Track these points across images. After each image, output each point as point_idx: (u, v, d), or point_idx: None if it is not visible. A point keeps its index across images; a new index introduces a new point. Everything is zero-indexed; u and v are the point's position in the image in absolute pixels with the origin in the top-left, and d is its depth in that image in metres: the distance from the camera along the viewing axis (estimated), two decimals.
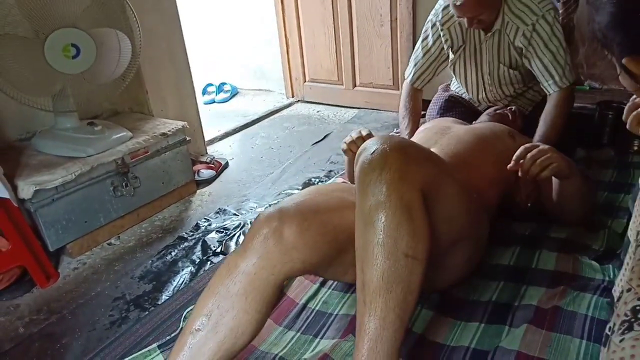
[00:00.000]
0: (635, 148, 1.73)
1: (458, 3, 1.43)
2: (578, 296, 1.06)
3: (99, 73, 1.67)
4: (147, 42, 1.89)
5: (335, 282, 1.24)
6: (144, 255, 1.64)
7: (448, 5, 1.60)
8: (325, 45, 2.87)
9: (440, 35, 1.67)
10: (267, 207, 1.86)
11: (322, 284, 1.25)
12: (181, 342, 0.85)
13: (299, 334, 1.09)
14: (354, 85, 2.90)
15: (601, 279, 1.12)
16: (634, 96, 0.81)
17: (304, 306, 1.18)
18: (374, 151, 0.81)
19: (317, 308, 1.17)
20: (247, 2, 3.27)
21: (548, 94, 1.55)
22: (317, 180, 2.05)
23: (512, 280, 1.16)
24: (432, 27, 1.69)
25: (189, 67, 2.29)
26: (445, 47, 1.69)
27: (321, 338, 1.06)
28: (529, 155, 1.09)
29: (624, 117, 0.81)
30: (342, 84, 2.94)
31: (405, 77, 1.82)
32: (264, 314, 0.87)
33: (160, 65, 2.15)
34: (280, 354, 1.03)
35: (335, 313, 1.14)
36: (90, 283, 1.52)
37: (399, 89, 2.71)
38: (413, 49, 2.55)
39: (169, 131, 1.90)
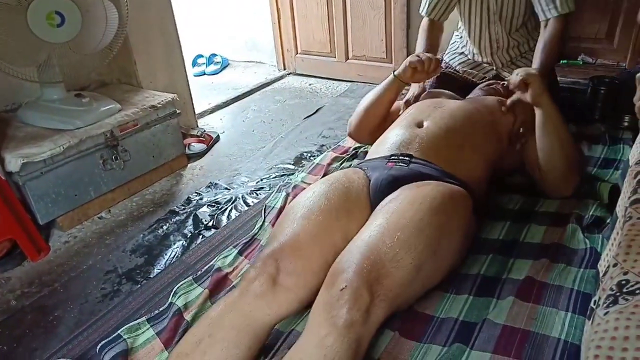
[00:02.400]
0: (626, 124, 1.74)
1: None
2: (564, 270, 1.08)
3: (85, 42, 1.63)
4: (135, 11, 1.84)
5: None
6: (135, 229, 1.64)
7: None
8: (318, 16, 2.82)
9: None
10: (264, 181, 1.86)
11: None
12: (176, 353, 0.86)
13: None
14: (347, 58, 2.86)
15: (584, 248, 1.13)
16: None
17: None
18: (345, 286, 0.80)
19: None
20: None
21: (544, 19, 1.51)
22: (309, 154, 2.04)
23: (500, 254, 1.18)
24: None
25: (179, 38, 2.24)
26: None
27: None
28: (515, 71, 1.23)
29: (635, 98, 0.79)
30: (335, 57, 2.90)
31: (421, 14, 1.75)
32: (253, 351, 0.88)
33: (149, 36, 2.10)
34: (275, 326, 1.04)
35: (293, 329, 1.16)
36: (81, 256, 1.52)
37: (392, 62, 2.69)
38: (407, 21, 2.53)
39: (159, 103, 1.87)
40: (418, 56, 1.39)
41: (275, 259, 0.91)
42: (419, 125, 1.27)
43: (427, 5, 1.72)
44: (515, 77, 1.22)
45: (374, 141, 1.43)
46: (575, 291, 1.00)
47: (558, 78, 1.85)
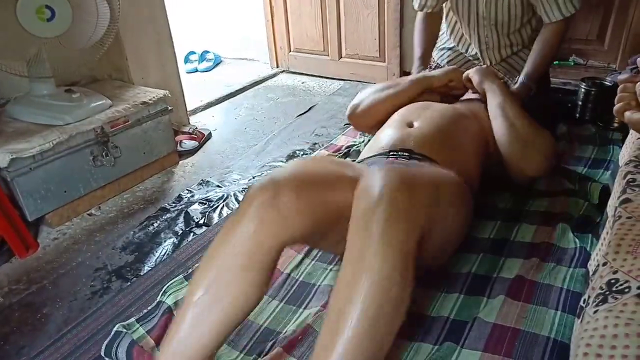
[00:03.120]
0: (616, 125, 1.75)
1: None
2: (554, 269, 1.09)
3: (76, 37, 1.61)
4: (127, 6, 1.83)
5: (319, 253, 1.25)
6: (125, 226, 1.63)
7: None
8: (311, 14, 2.81)
9: None
10: (256, 178, 1.85)
11: (307, 255, 1.26)
12: (182, 313, 0.83)
13: (282, 303, 1.10)
14: (340, 56, 2.86)
15: (574, 247, 1.14)
16: (623, 81, 0.79)
17: (288, 276, 1.19)
18: (379, 192, 0.78)
19: (300, 278, 1.18)
20: None
21: (546, 20, 1.49)
22: (302, 152, 2.04)
23: (491, 253, 1.18)
24: None
25: (171, 34, 2.22)
26: None
27: (304, 308, 1.08)
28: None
29: (615, 100, 0.79)
30: (328, 55, 2.90)
31: (415, 8, 1.72)
32: (263, 283, 0.86)
33: (141, 31, 2.08)
34: (264, 325, 1.04)
35: (318, 284, 1.15)
36: (70, 253, 1.50)
37: (385, 61, 2.69)
38: (401, 20, 2.53)
39: (150, 100, 1.85)
40: (460, 72, 1.46)
41: (273, 185, 0.86)
42: (410, 125, 1.27)
43: (419, 1, 1.69)
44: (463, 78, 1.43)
45: (370, 131, 1.44)
46: (565, 290, 1.01)
47: (550, 78, 1.86)
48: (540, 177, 1.37)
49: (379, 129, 1.37)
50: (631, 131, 0.93)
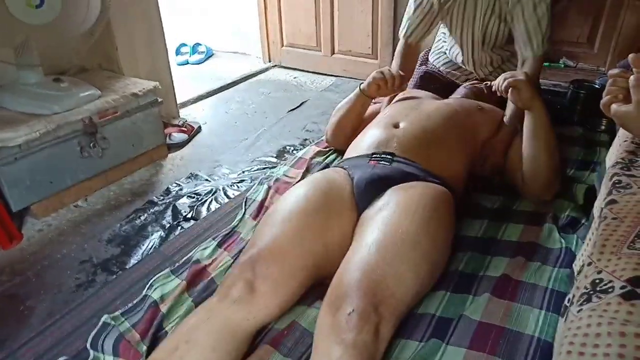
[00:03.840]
0: (603, 127, 1.77)
1: None
2: (540, 268, 1.10)
3: (66, 25, 1.59)
4: None
5: None
6: (112, 219, 1.61)
7: None
8: (305, 8, 2.80)
9: None
10: (245, 173, 1.84)
11: None
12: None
13: None
14: (333, 52, 2.85)
15: (559, 248, 1.16)
16: (614, 76, 0.80)
17: None
18: (351, 312, 0.79)
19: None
20: None
21: (522, 58, 1.58)
22: (292, 148, 2.03)
23: (478, 251, 1.19)
24: None
25: (162, 25, 2.20)
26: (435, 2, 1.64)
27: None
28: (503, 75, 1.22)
29: (604, 93, 0.80)
30: (321, 50, 2.89)
31: (400, 35, 1.76)
32: (234, 357, 0.86)
33: (132, 22, 2.06)
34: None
35: None
36: (55, 245, 1.48)
37: (377, 59, 2.69)
38: (394, 17, 2.53)
39: (140, 91, 1.83)
40: (382, 72, 1.38)
41: (252, 264, 0.90)
42: (395, 125, 1.27)
43: (405, 28, 1.72)
44: (501, 81, 1.20)
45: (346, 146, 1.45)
46: (550, 290, 1.02)
47: (540, 80, 1.88)
48: None
49: (351, 141, 1.38)
50: (618, 134, 0.94)
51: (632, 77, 0.73)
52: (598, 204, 0.74)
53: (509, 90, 1.21)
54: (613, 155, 0.85)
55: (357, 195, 1.08)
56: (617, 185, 0.70)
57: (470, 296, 1.04)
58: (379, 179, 1.07)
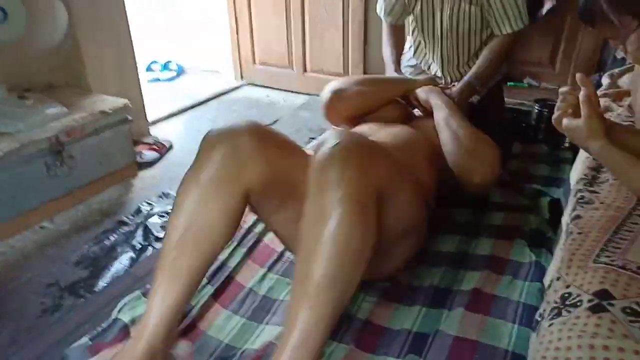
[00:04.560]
0: (567, 145, 1.84)
1: None
2: (511, 282, 1.12)
3: (31, 41, 1.56)
4: (87, 11, 1.78)
5: (283, 268, 1.24)
6: (79, 240, 1.56)
7: None
8: (276, 27, 2.82)
9: None
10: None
11: (270, 269, 1.24)
12: (164, 255, 0.88)
13: (244, 319, 1.08)
14: (305, 71, 2.88)
15: (528, 262, 1.19)
16: (564, 93, 0.86)
17: (250, 290, 1.18)
18: (335, 145, 0.80)
19: (263, 293, 1.17)
20: None
21: (497, 33, 1.59)
22: None
23: (452, 266, 1.21)
24: None
25: (132, 42, 2.18)
26: None
27: (266, 324, 1.06)
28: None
29: (555, 109, 0.86)
30: (293, 69, 2.91)
31: (379, 14, 1.79)
32: (233, 219, 0.90)
33: (101, 38, 2.03)
34: (225, 341, 1.02)
35: (281, 299, 1.14)
36: (20, 268, 1.42)
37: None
38: (365, 36, 2.59)
39: (109, 109, 1.80)
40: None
41: (231, 131, 0.91)
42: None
43: (383, 11, 1.75)
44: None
45: (341, 123, 1.52)
46: (522, 304, 1.05)
47: (505, 99, 1.94)
48: (491, 188, 1.41)
49: (350, 126, 1.42)
50: (580, 151, 0.99)
51: (581, 94, 0.77)
52: (565, 219, 0.77)
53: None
54: (576, 171, 0.89)
55: None
56: (581, 201, 0.74)
57: (445, 311, 1.05)
58: None
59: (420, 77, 1.63)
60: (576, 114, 0.80)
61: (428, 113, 1.51)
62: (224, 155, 0.88)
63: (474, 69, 1.63)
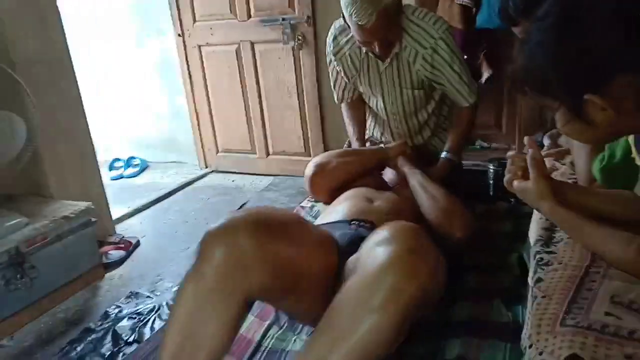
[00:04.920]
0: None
1: (362, 23, 1.42)
2: (492, 346, 1.12)
3: None
4: (46, 121, 1.80)
5: (285, 321, 1.29)
6: (44, 355, 1.47)
7: (337, 36, 1.71)
8: (236, 116, 2.93)
9: (335, 65, 1.78)
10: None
11: (275, 322, 1.32)
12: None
13: None
14: (267, 154, 2.96)
15: (508, 322, 1.20)
16: (512, 157, 0.91)
17: (259, 345, 1.24)
18: (393, 252, 0.81)
19: (270, 346, 1.23)
20: (152, 76, 3.26)
21: (460, 104, 1.72)
22: None
23: (432, 337, 1.20)
24: (329, 55, 1.80)
25: (92, 144, 2.20)
26: (342, 75, 1.80)
27: None
28: None
29: (505, 172, 0.90)
30: (256, 153, 2.98)
31: (336, 101, 1.93)
32: (233, 329, 0.88)
33: (61, 144, 2.04)
34: None
35: (288, 349, 1.20)
36: None
37: (310, 156, 2.81)
38: (321, 117, 2.70)
39: (71, 213, 1.77)
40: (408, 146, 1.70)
41: (232, 229, 0.88)
42: (370, 201, 1.38)
43: (336, 95, 1.89)
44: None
45: (324, 198, 1.59)
46: None
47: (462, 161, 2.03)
48: (466, 244, 1.45)
49: (332, 197, 1.49)
50: (534, 211, 1.03)
51: (528, 157, 0.83)
52: (529, 280, 0.79)
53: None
54: (533, 232, 0.93)
55: (341, 242, 1.12)
56: (540, 263, 0.76)
57: None
58: (363, 238, 1.08)
59: (391, 144, 1.74)
60: (525, 176, 0.85)
61: (401, 180, 1.61)
62: (224, 261, 0.85)
63: (448, 144, 1.75)
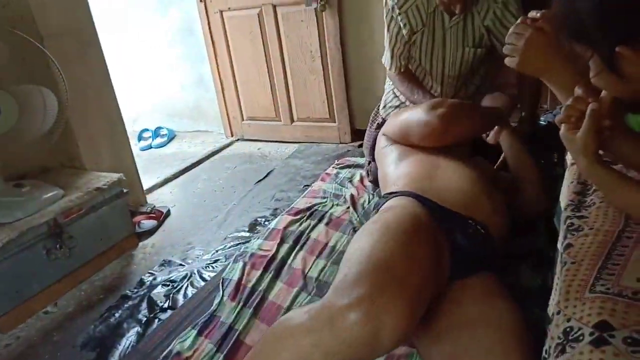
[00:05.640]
0: (556, 160, 1.86)
1: None
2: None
3: (24, 132, 1.60)
4: (75, 93, 1.84)
5: (313, 287, 1.34)
6: (85, 320, 1.55)
7: None
8: (260, 83, 2.91)
9: (398, 19, 1.68)
10: (219, 252, 1.81)
11: (303, 288, 1.38)
12: None
13: None
14: (292, 121, 2.94)
15: (537, 286, 1.19)
16: (572, 100, 0.81)
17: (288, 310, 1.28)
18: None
19: None
20: (175, 44, 3.26)
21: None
22: (264, 219, 2.04)
23: None
24: (392, 11, 1.70)
25: (121, 116, 2.23)
26: (405, 31, 1.69)
27: None
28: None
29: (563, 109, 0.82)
30: (280, 120, 2.97)
31: (387, 67, 1.83)
32: None
33: (91, 117, 2.08)
34: None
35: None
36: (25, 359, 1.40)
37: (335, 122, 2.79)
38: (345, 82, 2.66)
39: (104, 185, 1.83)
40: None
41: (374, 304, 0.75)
42: (476, 183, 1.24)
43: (394, 62, 1.78)
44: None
45: (445, 141, 1.39)
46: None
47: None
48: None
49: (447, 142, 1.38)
50: (566, 175, 1.00)
51: (590, 106, 0.75)
52: (559, 246, 0.78)
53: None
54: (564, 196, 0.90)
55: (454, 265, 1.03)
56: (571, 228, 0.74)
57: None
58: (478, 259, 1.06)
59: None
60: (578, 124, 0.77)
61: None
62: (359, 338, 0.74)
63: (528, 107, 1.73)
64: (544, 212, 1.39)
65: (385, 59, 1.83)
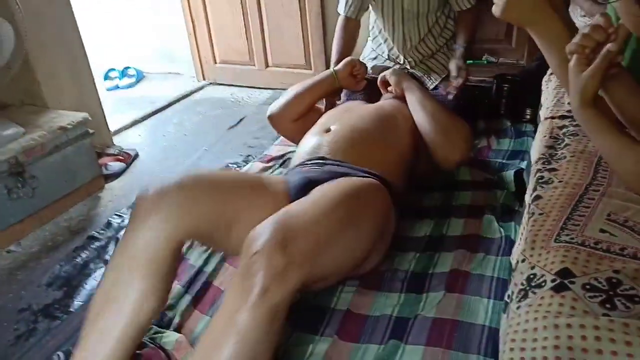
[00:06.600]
0: (528, 117, 1.89)
1: None
2: (484, 259, 1.16)
3: None
4: (35, 27, 1.72)
5: None
6: (50, 261, 1.52)
7: None
8: (234, 25, 2.78)
9: None
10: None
11: None
12: (87, 329, 0.87)
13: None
14: (267, 66, 2.86)
15: (500, 237, 1.23)
16: (590, 29, 0.74)
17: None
18: (259, 250, 0.77)
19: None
20: None
21: (457, 9, 1.80)
22: (235, 165, 2.01)
23: (426, 250, 1.23)
24: None
25: (85, 52, 2.11)
26: None
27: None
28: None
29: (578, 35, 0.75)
30: (255, 65, 2.88)
31: (339, 11, 1.84)
32: (163, 289, 0.90)
33: (52, 52, 1.96)
34: None
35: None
36: None
37: (312, 69, 2.72)
38: (323, 27, 2.57)
39: (69, 124, 1.75)
40: (356, 60, 1.59)
41: (159, 186, 0.93)
42: (327, 130, 1.33)
43: (346, 5, 1.79)
44: (379, 82, 1.58)
45: (288, 134, 1.61)
46: (495, 278, 1.08)
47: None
48: (462, 164, 1.47)
49: (297, 130, 1.47)
50: (539, 128, 1.01)
51: (607, 46, 0.71)
52: (527, 198, 0.79)
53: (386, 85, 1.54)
54: (535, 150, 0.91)
55: (292, 196, 1.10)
56: (540, 181, 0.76)
57: (424, 294, 1.08)
58: (309, 181, 1.10)
59: (339, 65, 1.63)
60: (589, 59, 0.72)
61: (399, 96, 1.54)
62: (148, 216, 0.89)
63: (460, 39, 1.81)
64: (460, 161, 1.41)
65: (339, 4, 1.84)
